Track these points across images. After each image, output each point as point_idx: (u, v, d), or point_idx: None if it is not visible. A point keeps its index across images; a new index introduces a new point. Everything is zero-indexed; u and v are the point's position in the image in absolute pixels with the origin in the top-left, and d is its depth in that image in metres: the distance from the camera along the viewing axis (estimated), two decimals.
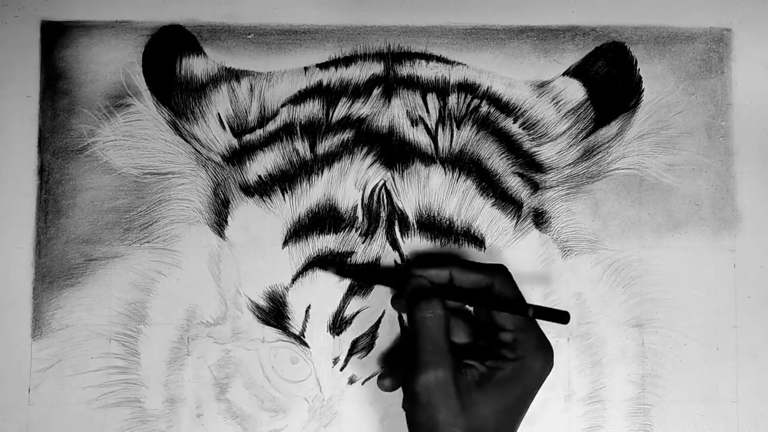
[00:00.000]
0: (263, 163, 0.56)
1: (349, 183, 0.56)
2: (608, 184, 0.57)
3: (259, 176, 0.56)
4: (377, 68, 0.57)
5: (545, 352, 0.48)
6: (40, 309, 0.56)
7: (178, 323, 0.56)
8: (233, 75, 0.57)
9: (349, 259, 0.55)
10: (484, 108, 0.57)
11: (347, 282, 0.55)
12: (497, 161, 0.56)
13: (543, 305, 0.48)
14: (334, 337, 0.55)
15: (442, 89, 0.57)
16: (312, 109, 0.57)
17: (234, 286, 0.56)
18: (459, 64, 0.58)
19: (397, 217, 0.56)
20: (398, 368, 0.53)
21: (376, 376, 0.54)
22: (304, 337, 0.55)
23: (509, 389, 0.47)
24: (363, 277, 0.55)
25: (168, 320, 0.56)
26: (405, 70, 0.57)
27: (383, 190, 0.56)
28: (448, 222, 0.56)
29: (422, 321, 0.48)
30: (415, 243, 0.55)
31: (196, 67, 0.57)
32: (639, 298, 0.57)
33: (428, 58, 0.58)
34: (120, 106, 0.57)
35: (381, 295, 0.55)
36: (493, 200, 0.56)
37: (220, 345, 0.56)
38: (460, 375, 0.47)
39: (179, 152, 0.57)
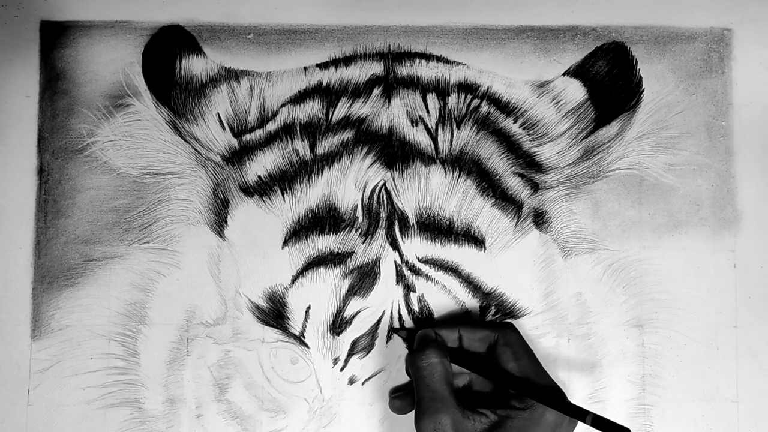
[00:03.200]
0: (263, 164, 0.56)
1: (349, 183, 0.56)
2: (608, 184, 0.57)
3: (259, 176, 0.56)
4: (377, 68, 0.57)
5: (559, 397, 0.48)
6: (40, 309, 0.56)
7: (177, 324, 0.56)
8: (233, 75, 0.57)
9: (348, 259, 0.55)
10: (484, 108, 0.57)
11: (347, 282, 0.55)
12: (497, 161, 0.56)
13: (603, 416, 0.46)
14: (334, 337, 0.55)
15: (442, 89, 0.57)
16: (312, 109, 0.56)
17: (234, 286, 0.56)
18: (459, 64, 0.57)
19: (397, 217, 0.55)
20: (409, 394, 0.54)
21: (389, 397, 0.55)
22: (304, 337, 0.55)
23: None
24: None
25: (167, 321, 0.56)
26: (405, 70, 0.57)
27: (383, 190, 0.56)
28: (448, 222, 0.55)
29: (418, 370, 0.49)
30: (415, 243, 0.55)
31: (196, 67, 0.57)
32: (639, 299, 0.56)
33: (428, 58, 0.57)
34: (119, 106, 0.57)
35: (381, 295, 0.55)
36: (494, 200, 0.56)
37: (219, 345, 0.56)
38: (467, 420, 0.47)
39: (179, 152, 0.57)
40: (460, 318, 0.55)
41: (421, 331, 0.52)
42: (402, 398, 0.54)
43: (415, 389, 0.49)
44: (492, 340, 0.51)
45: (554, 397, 0.48)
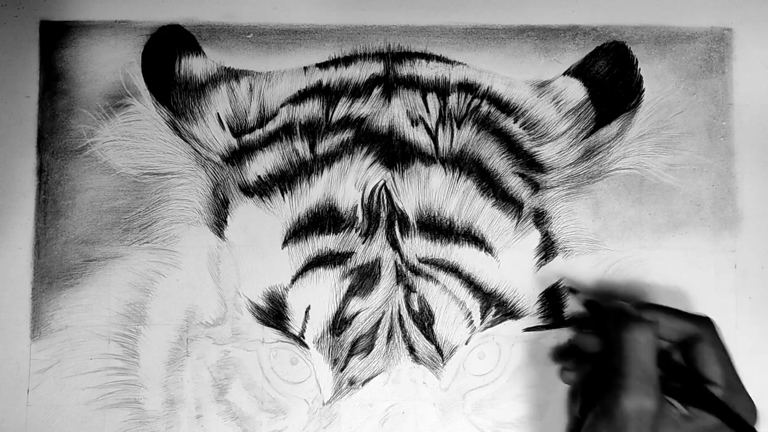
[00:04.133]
0: (263, 164, 0.56)
1: (349, 183, 0.56)
2: (609, 184, 0.57)
3: (259, 176, 0.56)
4: (377, 68, 0.57)
5: (754, 418, 0.48)
6: (39, 310, 0.56)
7: (177, 324, 0.56)
8: (232, 75, 0.57)
9: (349, 259, 0.55)
10: (485, 108, 0.57)
11: (347, 282, 0.55)
12: (498, 161, 0.56)
13: None
14: (333, 338, 0.55)
15: (442, 89, 0.57)
16: (312, 109, 0.56)
17: (233, 286, 0.56)
18: (459, 63, 0.57)
19: (397, 217, 0.55)
20: (583, 366, 0.53)
21: (559, 366, 0.55)
22: (303, 338, 0.55)
23: None
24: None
25: (167, 321, 0.56)
26: (405, 69, 0.57)
27: (383, 190, 0.56)
28: (448, 222, 0.55)
29: (632, 342, 0.46)
30: (415, 243, 0.55)
31: (196, 66, 0.57)
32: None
33: (428, 57, 0.57)
34: (119, 106, 0.57)
35: (381, 296, 0.55)
36: (494, 200, 0.56)
37: (219, 346, 0.55)
38: (663, 409, 0.45)
39: (178, 152, 0.57)
40: (654, 305, 0.51)
41: (622, 303, 0.49)
42: (578, 371, 0.52)
43: (619, 360, 0.46)
44: (691, 333, 0.48)
45: (739, 422, 0.46)
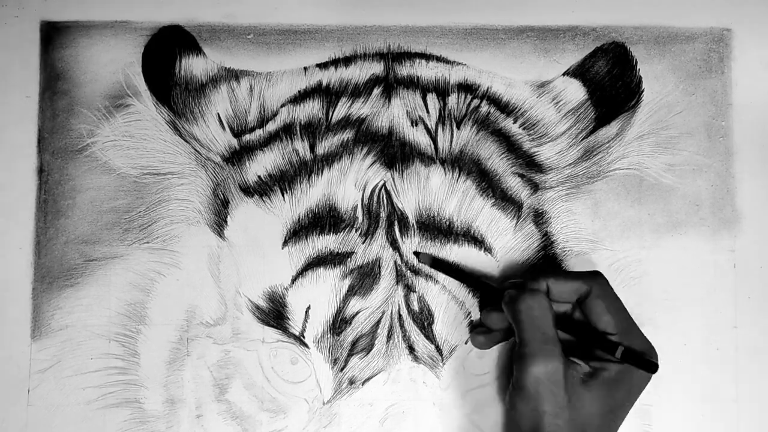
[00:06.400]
0: (263, 164, 0.56)
1: (349, 183, 0.56)
2: (608, 184, 0.57)
3: (259, 176, 0.56)
4: (377, 68, 0.57)
5: (652, 354, 0.49)
6: (40, 309, 0.56)
7: (177, 324, 0.56)
8: (233, 75, 0.57)
9: (349, 259, 0.55)
10: (484, 108, 0.57)
11: (347, 282, 0.55)
12: (497, 161, 0.56)
13: (633, 348, 0.48)
14: (333, 337, 0.55)
15: (442, 89, 0.57)
16: (312, 109, 0.57)
17: (233, 286, 0.56)
18: (459, 64, 0.57)
19: (397, 217, 0.55)
20: (497, 332, 0.53)
21: (471, 333, 0.54)
22: (303, 337, 0.55)
23: (615, 390, 0.48)
24: (451, 272, 0.54)
25: (167, 321, 0.56)
26: (405, 70, 0.57)
27: (383, 191, 0.56)
28: (448, 222, 0.55)
29: (528, 310, 0.48)
30: (415, 243, 0.55)
31: (196, 67, 0.57)
32: (639, 299, 0.56)
33: (428, 58, 0.57)
34: (119, 106, 0.57)
35: (381, 296, 0.55)
36: (493, 200, 0.56)
37: (219, 345, 0.56)
38: (568, 369, 0.47)
39: (179, 152, 0.57)
40: (545, 268, 0.53)
41: (513, 281, 0.51)
42: (487, 334, 0.53)
43: (519, 330, 0.48)
44: (583, 291, 0.49)
45: (639, 358, 0.48)
